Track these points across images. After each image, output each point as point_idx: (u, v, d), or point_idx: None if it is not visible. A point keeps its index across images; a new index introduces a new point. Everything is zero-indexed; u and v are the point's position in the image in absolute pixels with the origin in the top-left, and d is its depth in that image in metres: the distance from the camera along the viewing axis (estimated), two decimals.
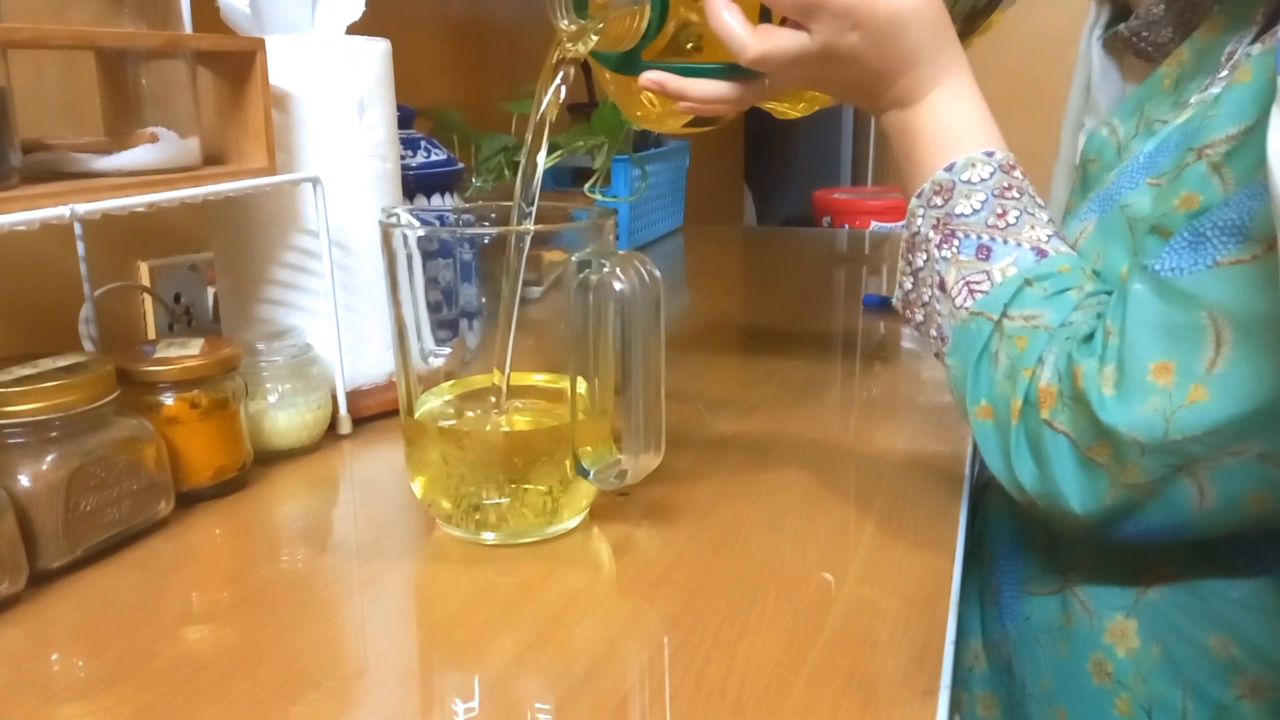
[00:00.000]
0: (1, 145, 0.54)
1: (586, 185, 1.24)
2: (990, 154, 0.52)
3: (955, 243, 0.52)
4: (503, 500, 0.54)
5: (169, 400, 0.59)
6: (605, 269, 0.51)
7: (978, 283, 0.51)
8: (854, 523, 0.58)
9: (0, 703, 0.42)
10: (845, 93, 0.56)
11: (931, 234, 0.52)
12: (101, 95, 0.63)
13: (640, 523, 0.58)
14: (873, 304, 1.12)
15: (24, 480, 0.50)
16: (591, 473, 0.54)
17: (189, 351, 0.60)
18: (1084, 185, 0.63)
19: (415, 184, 0.89)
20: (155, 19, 0.63)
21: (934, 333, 0.54)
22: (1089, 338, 0.47)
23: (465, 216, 0.61)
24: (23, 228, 0.51)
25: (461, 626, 0.48)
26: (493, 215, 0.59)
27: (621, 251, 0.51)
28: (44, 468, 0.51)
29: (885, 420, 0.76)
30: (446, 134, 1.17)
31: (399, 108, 0.77)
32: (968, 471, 0.65)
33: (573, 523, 0.57)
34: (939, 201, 0.52)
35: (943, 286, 0.52)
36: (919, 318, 0.55)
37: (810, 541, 0.55)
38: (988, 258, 0.51)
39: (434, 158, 0.92)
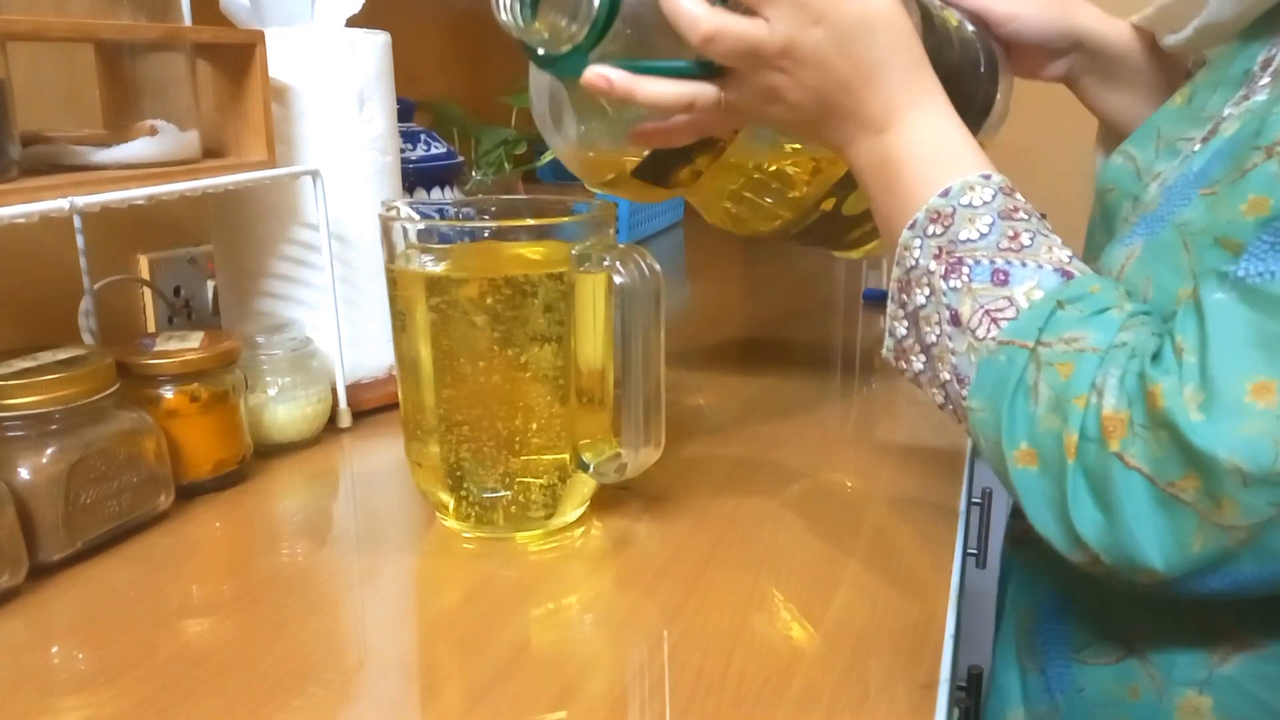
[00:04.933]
0: (1, 138, 0.53)
1: None
2: (987, 176, 0.47)
3: (965, 270, 0.45)
4: (503, 493, 0.54)
5: (169, 393, 0.59)
6: (606, 263, 0.51)
7: (1000, 310, 0.44)
8: (853, 517, 0.58)
9: (1, 695, 0.42)
10: (814, 114, 0.50)
11: (934, 265, 0.46)
12: (100, 88, 0.63)
13: (640, 516, 0.58)
14: (873, 298, 1.12)
15: (24, 473, 0.50)
16: (591, 466, 0.54)
17: (189, 345, 0.60)
18: (1104, 215, 0.58)
19: (415, 177, 0.89)
20: (154, 11, 0.63)
21: (945, 375, 0.46)
22: (1157, 356, 0.40)
23: (465, 210, 0.61)
24: (22, 220, 0.51)
25: (462, 619, 0.48)
26: (493, 209, 0.59)
27: (622, 245, 0.51)
28: (44, 460, 0.51)
29: (885, 414, 0.76)
30: (446, 127, 1.16)
31: (399, 101, 0.77)
32: (967, 465, 0.65)
33: (572, 516, 0.57)
34: (937, 230, 0.46)
35: (956, 321, 0.45)
36: (917, 366, 0.48)
37: (810, 535, 0.55)
38: (1006, 282, 0.45)
39: (434, 151, 0.92)
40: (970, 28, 0.66)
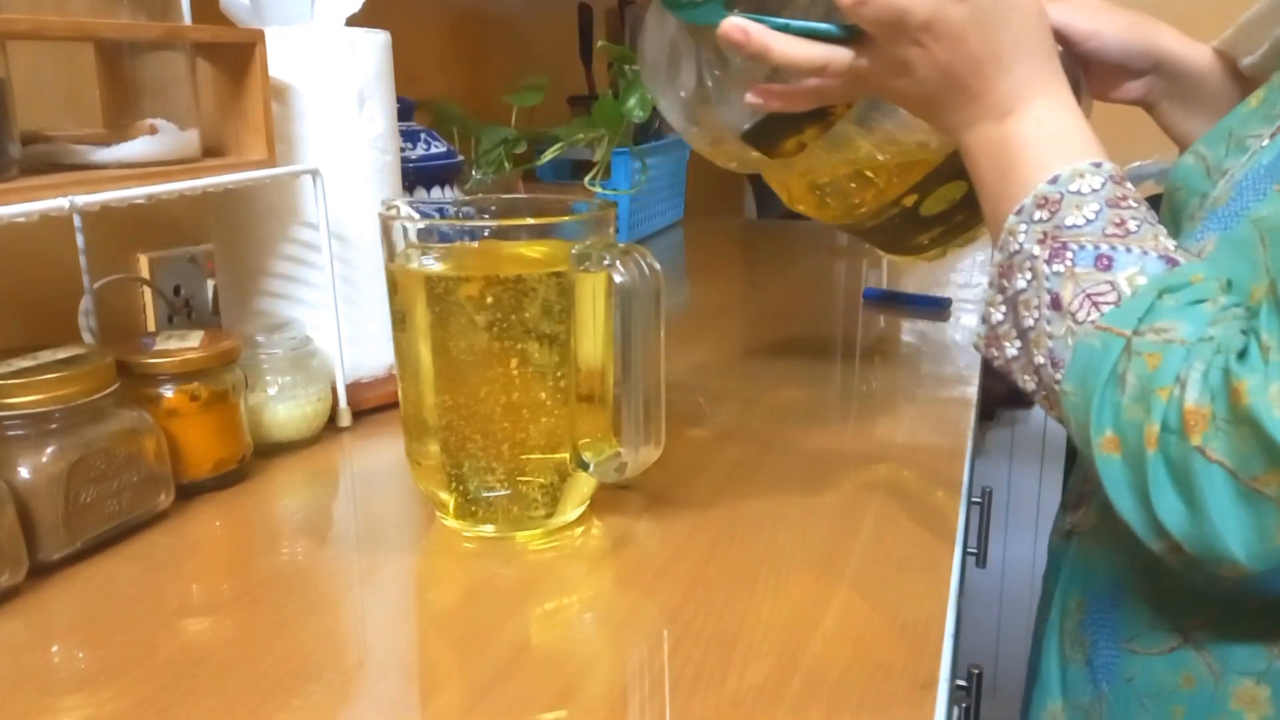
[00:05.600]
0: (1, 137, 0.53)
1: (587, 178, 1.24)
2: (1098, 165, 0.47)
3: (1069, 255, 0.46)
4: (502, 493, 0.54)
5: (169, 392, 0.59)
6: (605, 262, 0.51)
7: (1101, 294, 0.44)
8: (854, 515, 0.58)
9: (1, 695, 0.42)
10: (937, 92, 0.50)
11: (1037, 249, 0.47)
12: (100, 87, 0.63)
13: (640, 515, 0.58)
14: (873, 297, 1.12)
15: (24, 472, 0.50)
16: (591, 465, 0.54)
17: (189, 344, 0.60)
18: (1171, 213, 0.59)
19: (415, 176, 0.89)
20: (154, 10, 0.63)
21: (1040, 359, 0.46)
22: (1243, 354, 0.40)
23: (465, 209, 0.61)
24: (22, 220, 0.51)
25: (462, 619, 0.48)
26: (493, 208, 0.59)
27: (621, 244, 0.51)
28: (44, 460, 0.51)
29: (885, 413, 0.76)
30: (446, 126, 1.16)
31: (399, 100, 0.77)
32: (967, 465, 0.65)
33: (572, 515, 0.57)
34: (1043, 215, 0.47)
35: (1056, 304, 0.46)
36: (1011, 352, 0.48)
37: (810, 533, 0.55)
38: (1110, 267, 0.45)
39: (434, 150, 0.92)
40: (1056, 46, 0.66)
